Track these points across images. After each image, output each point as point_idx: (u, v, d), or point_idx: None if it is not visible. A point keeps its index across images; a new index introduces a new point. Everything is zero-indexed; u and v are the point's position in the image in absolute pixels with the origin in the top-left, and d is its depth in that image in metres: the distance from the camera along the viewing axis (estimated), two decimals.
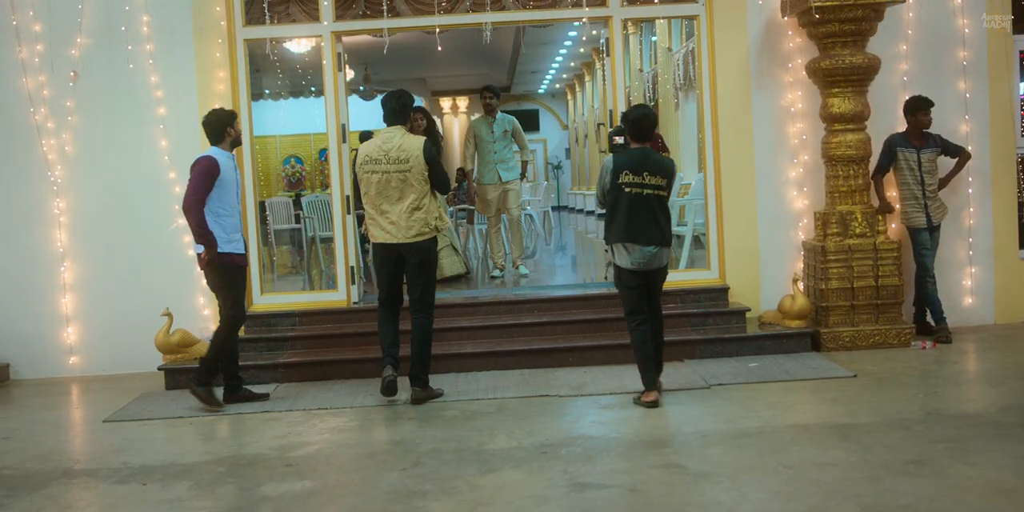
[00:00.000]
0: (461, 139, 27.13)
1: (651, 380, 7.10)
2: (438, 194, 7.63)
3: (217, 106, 9.11)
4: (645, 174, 6.93)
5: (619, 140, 7.14)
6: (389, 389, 7.42)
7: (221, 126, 7.60)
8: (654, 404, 6.99)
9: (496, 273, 11.11)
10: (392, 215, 7.35)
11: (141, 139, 9.26)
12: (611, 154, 7.17)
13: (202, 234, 7.33)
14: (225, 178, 7.47)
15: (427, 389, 7.56)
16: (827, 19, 8.48)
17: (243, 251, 7.69)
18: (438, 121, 26.60)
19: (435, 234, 7.49)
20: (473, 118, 11.31)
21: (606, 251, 7.19)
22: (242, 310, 7.72)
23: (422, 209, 7.37)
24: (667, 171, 7.04)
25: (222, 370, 7.80)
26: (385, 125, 7.57)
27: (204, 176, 7.36)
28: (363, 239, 11.95)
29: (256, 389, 8.02)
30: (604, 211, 7.26)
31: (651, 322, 7.17)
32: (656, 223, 6.99)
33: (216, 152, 7.53)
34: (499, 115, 11.12)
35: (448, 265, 10.79)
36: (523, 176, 11.48)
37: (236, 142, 7.73)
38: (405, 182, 7.31)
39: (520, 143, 11.26)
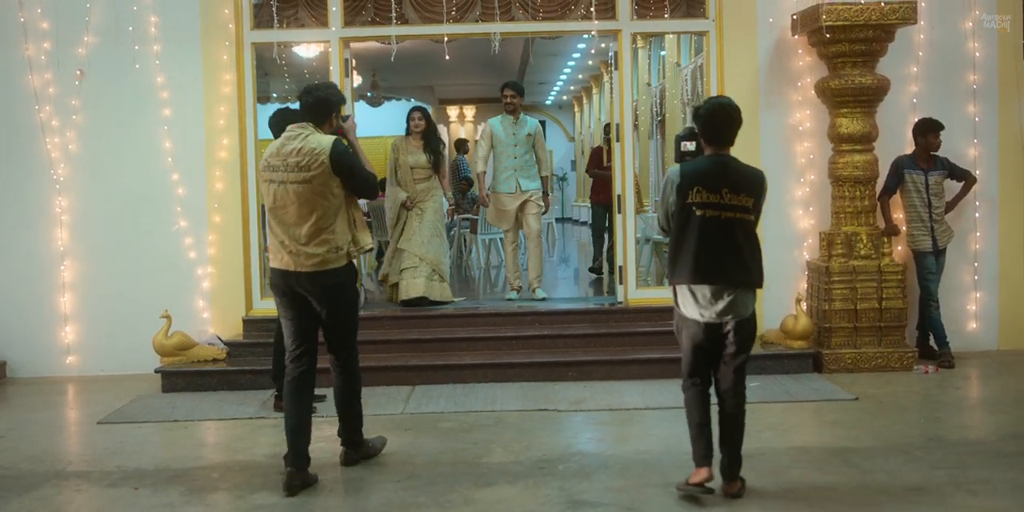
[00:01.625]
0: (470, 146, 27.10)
1: (703, 454, 5.36)
2: (358, 212, 5.88)
3: (222, 109, 9.16)
4: (724, 191, 5.20)
5: (689, 146, 5.86)
6: (290, 488, 5.66)
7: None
8: (702, 488, 5.27)
9: (512, 295, 9.90)
10: (292, 237, 5.69)
11: (145, 140, 9.22)
12: (676, 164, 5.42)
13: None
14: None
15: (360, 448, 6.20)
16: (837, 39, 8.45)
17: None
18: (443, 130, 26.47)
19: (349, 262, 5.82)
20: (492, 118, 10.27)
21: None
22: None
23: (329, 229, 5.66)
24: (755, 187, 5.31)
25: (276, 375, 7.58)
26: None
27: None
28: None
29: (252, 394, 7.98)
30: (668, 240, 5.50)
31: (726, 396, 5.40)
32: (737, 257, 5.24)
33: None
34: (523, 117, 10.10)
35: (438, 289, 9.58)
36: (546, 196, 10.18)
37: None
38: (306, 195, 5.61)
39: (539, 154, 10.12)
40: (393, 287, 9.70)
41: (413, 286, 9.47)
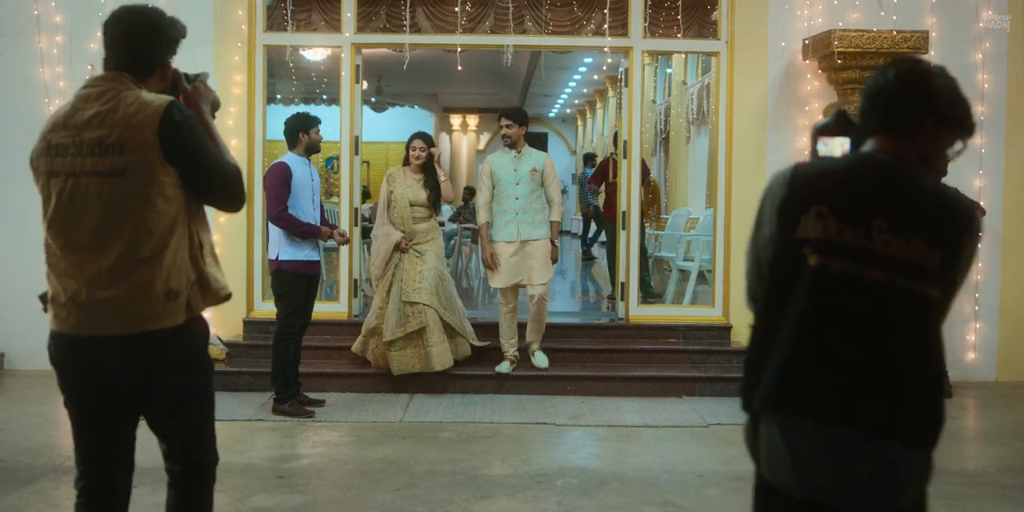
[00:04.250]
0: (468, 158, 27.05)
1: None
2: (206, 234, 3.48)
3: (232, 109, 9.17)
4: (879, 225, 2.57)
5: (828, 147, 2.82)
6: None
7: (294, 131, 7.49)
8: None
9: (503, 368, 8.32)
10: (85, 275, 3.29)
11: None
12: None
13: (303, 230, 7.34)
14: (297, 184, 7.38)
15: None
16: (848, 65, 8.51)
17: (315, 258, 7.54)
18: (445, 140, 26.30)
19: (193, 320, 3.38)
20: (491, 154, 8.64)
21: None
22: (299, 320, 7.47)
23: (153, 261, 3.26)
24: (952, 230, 2.62)
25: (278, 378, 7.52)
26: None
27: (278, 182, 7.32)
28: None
29: (251, 396, 7.99)
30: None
31: None
32: (893, 369, 2.55)
33: (289, 157, 7.47)
34: (527, 149, 8.42)
35: (436, 355, 8.10)
36: (554, 245, 8.38)
37: (312, 148, 7.58)
38: (115, 198, 3.27)
39: (549, 193, 8.39)
40: (387, 345, 8.11)
41: (436, 357, 8.09)
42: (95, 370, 3.36)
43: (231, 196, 3.49)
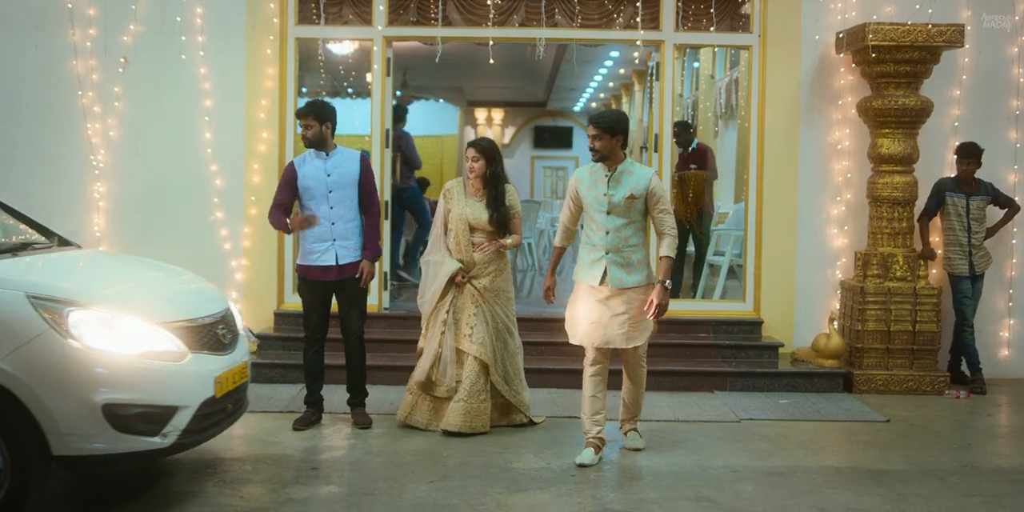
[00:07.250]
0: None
1: None
2: None
3: (264, 102, 9.19)
4: None
5: None
6: None
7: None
8: None
9: (586, 458, 6.23)
10: None
11: (186, 130, 9.24)
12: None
13: (275, 226, 7.15)
14: (307, 183, 6.95)
15: None
16: (883, 59, 8.44)
17: (327, 263, 6.89)
18: (471, 134, 26.22)
19: None
20: (581, 168, 6.57)
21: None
22: (308, 326, 7.05)
23: None
24: None
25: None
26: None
27: (280, 184, 7.13)
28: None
29: (283, 388, 8.03)
30: None
31: None
32: None
33: (304, 154, 7.10)
34: (627, 165, 6.27)
35: (456, 411, 6.82)
36: (665, 289, 6.20)
37: (308, 143, 6.98)
38: None
39: (658, 225, 6.29)
40: (435, 401, 7.01)
41: (456, 414, 6.79)
42: None
43: None
